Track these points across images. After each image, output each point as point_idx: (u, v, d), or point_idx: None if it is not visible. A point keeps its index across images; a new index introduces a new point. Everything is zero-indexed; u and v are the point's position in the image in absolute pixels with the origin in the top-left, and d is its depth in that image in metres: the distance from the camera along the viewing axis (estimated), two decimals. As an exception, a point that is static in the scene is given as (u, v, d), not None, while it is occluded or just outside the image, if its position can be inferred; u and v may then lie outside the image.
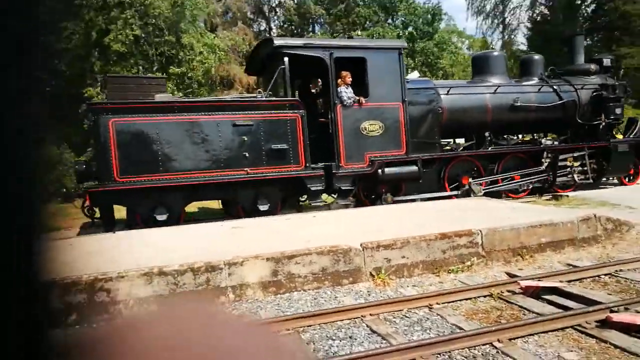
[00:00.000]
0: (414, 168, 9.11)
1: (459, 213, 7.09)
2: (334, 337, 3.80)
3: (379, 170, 8.83)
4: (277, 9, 35.76)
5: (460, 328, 3.80)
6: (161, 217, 7.72)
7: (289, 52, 8.49)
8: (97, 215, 7.79)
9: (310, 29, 35.03)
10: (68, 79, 23.29)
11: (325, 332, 3.90)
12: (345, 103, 8.62)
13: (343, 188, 8.75)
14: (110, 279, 4.48)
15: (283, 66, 8.32)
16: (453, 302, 4.41)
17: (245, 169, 7.98)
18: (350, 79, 8.74)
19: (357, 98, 8.70)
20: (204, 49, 21.27)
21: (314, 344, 3.70)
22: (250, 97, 8.54)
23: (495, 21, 48.70)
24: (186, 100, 8.08)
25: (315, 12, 31.81)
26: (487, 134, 10.28)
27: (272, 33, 36.77)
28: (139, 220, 7.75)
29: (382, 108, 8.91)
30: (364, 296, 4.75)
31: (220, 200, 9.49)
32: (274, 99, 8.51)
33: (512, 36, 47.45)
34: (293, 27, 34.65)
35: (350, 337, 3.78)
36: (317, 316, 4.11)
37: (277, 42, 8.66)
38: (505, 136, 11.13)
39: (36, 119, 0.31)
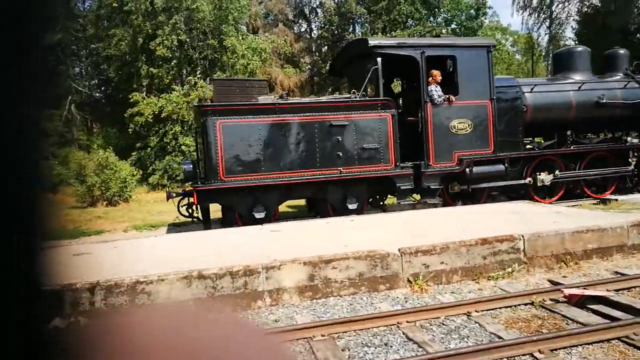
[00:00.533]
0: (501, 167, 9.11)
1: (502, 217, 6.92)
2: (369, 344, 3.78)
3: (467, 169, 8.85)
4: (318, 10, 35.87)
5: (500, 337, 3.71)
6: (259, 215, 7.92)
7: (382, 52, 8.63)
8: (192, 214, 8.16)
9: (351, 29, 34.94)
10: (116, 84, 24.23)
11: (360, 339, 3.89)
12: (435, 101, 8.68)
13: (432, 187, 8.81)
14: (151, 282, 4.62)
15: (376, 66, 8.42)
16: (492, 309, 4.31)
17: (339, 168, 8.14)
18: (440, 78, 8.84)
19: (447, 96, 8.77)
20: (247, 52, 21.58)
21: (349, 350, 3.70)
22: (345, 97, 8.78)
23: (542, 15, 47.16)
24: (287, 102, 8.40)
25: (356, 11, 31.67)
26: (568, 132, 10.05)
27: (312, 34, 36.95)
28: (237, 218, 8.00)
29: (471, 106, 8.95)
30: (400, 302, 4.70)
31: (305, 199, 9.70)
32: (368, 99, 8.68)
33: (560, 31, 45.77)
34: (333, 27, 34.67)
35: (386, 345, 3.76)
36: (353, 322, 4.10)
37: (372, 42, 8.81)
38: (586, 134, 10.84)
39: (36, 120, 0.32)
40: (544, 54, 54.66)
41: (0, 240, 0.29)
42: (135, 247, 6.39)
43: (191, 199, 7.95)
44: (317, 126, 8.07)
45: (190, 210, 8.12)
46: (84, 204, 12.86)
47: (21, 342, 0.30)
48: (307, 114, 8.09)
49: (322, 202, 8.70)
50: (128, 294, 4.53)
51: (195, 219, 8.17)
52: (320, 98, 8.84)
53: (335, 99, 8.94)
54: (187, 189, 8.13)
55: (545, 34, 48.05)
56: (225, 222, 8.19)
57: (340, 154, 8.14)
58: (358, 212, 8.36)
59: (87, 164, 13.68)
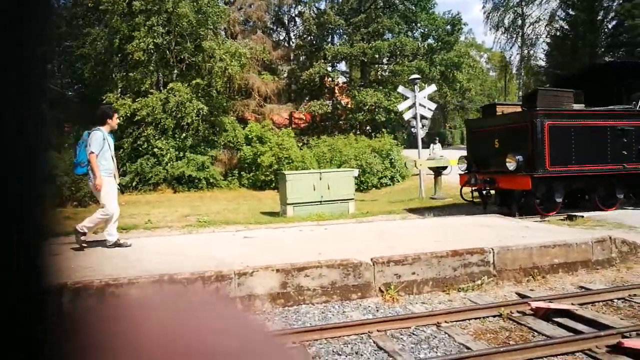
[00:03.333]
0: None
1: (473, 229, 7.05)
2: (340, 352, 3.80)
3: None
4: (297, 19, 36.07)
5: (468, 348, 3.77)
6: (558, 199, 9.55)
7: None
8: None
9: (329, 40, 35.22)
10: (89, 84, 23.76)
11: (331, 347, 3.90)
12: None
13: None
14: (121, 285, 4.54)
15: None
16: (462, 320, 4.38)
17: (623, 164, 9.67)
18: None
19: None
20: (225, 56, 21.48)
21: (319, 358, 3.70)
22: (625, 108, 10.35)
23: (514, 35, 48.56)
24: (593, 110, 9.98)
25: (335, 22, 31.96)
26: None
27: (291, 43, 37.09)
28: (535, 202, 9.52)
29: None
30: (372, 312, 4.74)
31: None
32: None
33: (531, 51, 47.17)
34: (312, 37, 34.88)
35: (357, 353, 3.78)
36: (325, 330, 4.11)
37: None
38: None
39: (36, 119, 0.31)
40: (515, 72, 56.24)
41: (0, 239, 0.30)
42: (105, 248, 6.25)
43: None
44: (610, 130, 9.69)
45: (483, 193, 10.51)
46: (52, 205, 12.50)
47: (21, 342, 0.30)
48: (605, 120, 9.78)
49: (591, 193, 10.19)
50: (97, 296, 4.43)
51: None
52: (614, 107, 10.30)
53: (624, 109, 10.36)
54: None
55: (517, 53, 49.51)
56: (522, 207, 9.78)
57: (625, 153, 9.70)
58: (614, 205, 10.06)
59: (58, 164, 13.33)
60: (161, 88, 21.59)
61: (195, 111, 20.65)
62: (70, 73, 26.95)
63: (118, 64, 21.30)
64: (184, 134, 20.78)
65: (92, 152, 5.90)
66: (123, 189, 19.14)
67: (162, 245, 6.60)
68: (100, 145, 5.97)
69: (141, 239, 7.07)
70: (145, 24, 20.25)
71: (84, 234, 6.04)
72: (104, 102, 19.84)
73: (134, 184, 19.79)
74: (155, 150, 20.08)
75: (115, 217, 6.18)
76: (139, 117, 19.89)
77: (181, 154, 20.70)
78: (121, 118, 19.44)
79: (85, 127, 19.24)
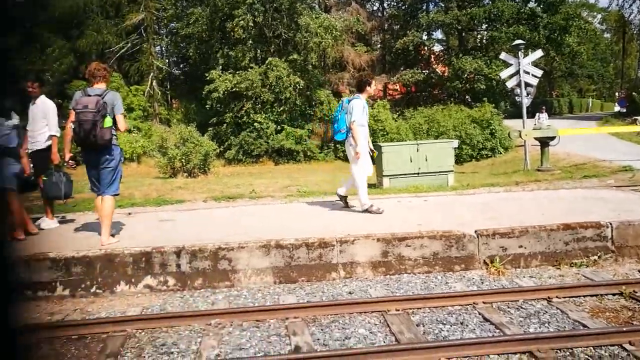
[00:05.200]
0: None
1: (586, 203, 6.56)
2: (444, 322, 3.77)
3: None
4: (391, -12, 35.10)
5: (584, 325, 3.56)
6: None
7: None
8: None
9: (424, 8, 33.90)
10: (194, 62, 25.12)
11: (435, 316, 3.88)
12: None
13: None
14: (232, 249, 4.84)
15: None
16: (576, 297, 4.13)
17: None
18: None
19: None
20: (320, 30, 21.59)
21: (423, 326, 3.71)
22: None
23: (637, -9, 43.40)
24: None
25: (431, -11, 30.67)
26: None
27: (384, 13, 36.27)
28: None
29: None
30: (476, 284, 4.63)
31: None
32: None
33: (658, 7, 41.90)
34: (406, 5, 33.79)
35: (462, 323, 3.73)
36: (428, 299, 4.10)
37: None
38: None
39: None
40: (636, 33, 50.34)
41: None
42: (216, 214, 6.68)
43: None
44: None
45: None
46: (166, 175, 13.56)
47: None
48: None
49: None
50: (211, 259, 4.78)
51: None
52: None
53: None
54: None
55: (639, 11, 44.17)
56: None
57: None
58: None
59: (168, 137, 14.37)
60: (259, 64, 22.26)
61: (292, 85, 21.09)
62: (176, 52, 28.66)
63: (219, 41, 22.22)
64: (282, 108, 21.36)
65: (354, 120, 6.14)
66: (229, 161, 20.24)
67: (268, 212, 6.89)
68: (361, 113, 6.22)
69: (248, 206, 7.45)
70: (245, 2, 20.83)
71: (369, 207, 6.30)
72: (207, 78, 20.89)
73: (239, 156, 20.81)
74: (256, 124, 20.88)
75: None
76: (238, 90, 20.72)
77: (280, 128, 21.36)
78: (224, 93, 20.44)
79: (190, 102, 20.52)
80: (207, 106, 21.21)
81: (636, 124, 20.82)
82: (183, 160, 13.74)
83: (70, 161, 5.27)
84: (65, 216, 6.75)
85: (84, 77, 21.50)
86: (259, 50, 22.95)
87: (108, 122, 4.90)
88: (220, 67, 22.73)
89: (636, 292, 4.13)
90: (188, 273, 4.76)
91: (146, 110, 22.07)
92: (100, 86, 5.09)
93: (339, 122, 6.33)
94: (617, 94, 52.61)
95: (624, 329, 3.32)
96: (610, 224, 5.18)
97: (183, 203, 8.12)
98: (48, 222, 5.94)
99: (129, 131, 17.77)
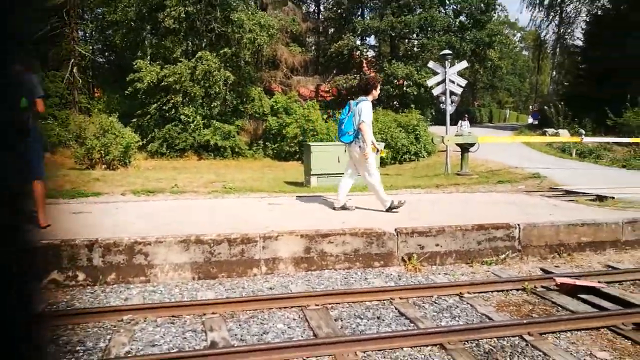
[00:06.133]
0: None
1: (499, 206, 6.97)
2: (362, 317, 3.84)
3: None
4: (327, -10, 35.47)
5: (490, 318, 3.77)
6: None
7: None
8: None
9: (359, 13, 34.61)
10: (120, 50, 23.97)
11: (353, 311, 3.95)
12: None
13: None
14: (149, 243, 4.65)
15: None
16: (484, 292, 4.37)
17: None
18: None
19: None
20: (254, 27, 21.34)
21: (341, 320, 3.75)
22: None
23: (552, 14, 46.82)
24: None
25: (366, -6, 31.35)
26: None
27: (320, 15, 36.61)
28: None
29: None
30: (394, 280, 4.76)
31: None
32: None
33: (569, 30, 45.49)
34: (342, 10, 34.30)
35: (378, 318, 3.82)
36: (347, 294, 4.16)
37: None
38: None
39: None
40: (550, 52, 54.36)
41: None
42: (135, 209, 6.40)
43: None
44: None
45: None
46: (82, 166, 12.82)
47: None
48: None
49: None
50: (126, 253, 4.56)
51: None
52: None
53: None
54: None
55: (554, 32, 47.80)
56: None
57: None
58: None
59: (87, 127, 13.60)
60: (190, 57, 21.65)
61: (222, 80, 20.69)
62: (102, 39, 27.20)
63: (149, 31, 21.37)
64: (212, 103, 20.89)
65: (364, 122, 6.02)
66: (152, 154, 19.48)
67: (191, 208, 6.71)
68: (370, 114, 6.10)
69: (168, 202, 7.20)
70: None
71: (391, 206, 6.25)
72: (134, 67, 20.01)
73: (162, 149, 20.08)
74: (182, 117, 20.27)
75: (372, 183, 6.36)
76: (166, 84, 20.03)
77: (208, 122, 20.87)
78: (148, 84, 19.66)
79: (114, 91, 19.55)
80: (126, 93, 20.22)
81: (546, 135, 22.49)
82: (102, 151, 13.06)
83: None
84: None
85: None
86: (190, 43, 22.33)
87: (23, 103, 4.65)
88: (149, 57, 21.85)
89: (537, 288, 4.44)
90: (100, 267, 4.51)
91: (64, 98, 20.73)
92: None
93: (345, 124, 6.28)
94: (530, 107, 56.56)
95: (524, 322, 3.55)
96: (519, 225, 5.53)
97: (100, 196, 7.71)
98: None
99: (44, 118, 16.63)
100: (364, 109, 6.15)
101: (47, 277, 4.40)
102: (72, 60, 21.63)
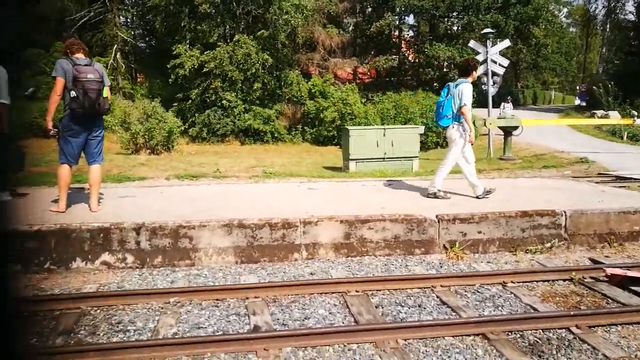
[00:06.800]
0: None
1: (544, 192, 6.76)
2: (402, 304, 3.84)
3: None
4: (366, -31, 34.74)
5: (535, 309, 3.70)
6: None
7: None
8: None
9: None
10: (160, 35, 24.35)
11: (394, 298, 3.94)
12: None
13: None
14: (193, 227, 4.77)
15: None
16: (529, 282, 4.27)
17: None
18: None
19: None
20: (290, 8, 21.22)
21: (382, 307, 3.76)
22: None
23: (602, -14, 44.45)
24: None
25: (405, -28, 30.51)
26: None
27: (358, -5, 35.98)
28: None
29: None
30: (435, 267, 4.72)
31: None
32: None
33: (620, 3, 43.18)
34: (381, -11, 33.58)
35: (419, 306, 3.80)
36: (388, 281, 4.16)
37: None
38: None
39: None
40: (600, 28, 51.81)
41: None
42: (179, 193, 6.56)
43: None
44: None
45: None
46: (128, 151, 13.21)
47: None
48: None
49: None
50: (171, 237, 4.70)
51: None
52: None
53: None
54: None
55: (603, 6, 45.41)
56: None
57: None
58: None
59: (131, 112, 13.97)
60: (228, 40, 21.78)
61: (260, 63, 20.75)
62: (142, 25, 27.68)
63: (187, 15, 21.57)
64: (253, 87, 20.99)
65: (465, 105, 5.94)
66: (193, 139, 19.83)
67: (233, 192, 6.82)
68: (470, 97, 6.04)
69: (211, 186, 7.35)
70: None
71: (437, 192, 6.20)
72: (174, 53, 20.33)
73: (202, 134, 20.42)
74: (224, 102, 20.49)
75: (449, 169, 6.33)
76: (207, 69, 20.25)
77: (248, 107, 21.04)
78: (189, 69, 19.94)
79: (155, 76, 19.85)
80: (169, 81, 20.61)
81: (594, 118, 21.56)
82: (146, 136, 13.39)
83: (52, 129, 5.09)
84: (16, 189, 6.47)
85: (40, 45, 20.49)
86: (227, 27, 22.44)
87: (106, 91, 5.16)
88: (188, 41, 22.12)
89: (585, 279, 4.30)
90: (147, 250, 4.67)
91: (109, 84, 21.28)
92: (82, 56, 5.13)
93: (444, 106, 6.15)
94: (578, 87, 54.25)
95: (572, 313, 3.46)
96: (565, 212, 5.36)
97: (145, 180, 7.95)
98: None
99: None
100: (464, 91, 5.96)
101: (99, 259, 4.59)
102: (115, 46, 22.14)
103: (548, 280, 4.32)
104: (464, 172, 6.35)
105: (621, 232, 5.39)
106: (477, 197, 6.23)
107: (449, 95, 6.14)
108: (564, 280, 4.32)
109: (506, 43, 14.83)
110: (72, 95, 4.89)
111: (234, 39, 21.05)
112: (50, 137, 5.28)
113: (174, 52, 20.53)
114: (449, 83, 6.35)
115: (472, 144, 6.21)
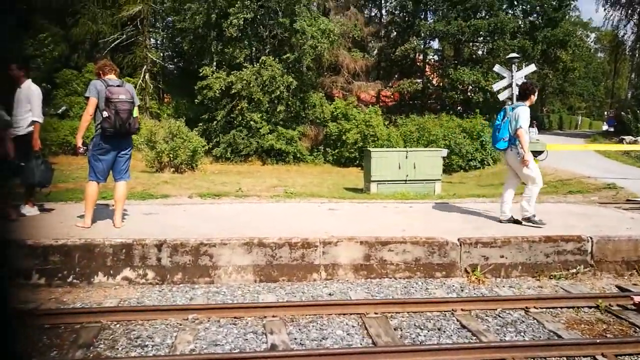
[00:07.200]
0: None
1: (569, 218, 6.62)
2: (422, 327, 3.78)
3: None
4: (390, -6, 35.19)
5: (559, 336, 3.59)
6: None
7: None
8: None
9: (422, 16, 34.08)
10: (188, 57, 25.00)
11: (413, 321, 3.89)
12: None
13: None
14: (214, 245, 4.81)
15: None
16: (553, 308, 4.17)
17: None
18: None
19: None
20: (316, 34, 21.56)
21: (401, 330, 3.71)
22: None
23: (630, 11, 44.01)
24: None
25: (430, -3, 30.81)
26: None
27: (382, 19, 36.42)
28: None
29: None
30: (456, 291, 4.65)
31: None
32: None
33: (650, 29, 42.53)
34: (405, 13, 33.94)
35: (439, 329, 3.74)
36: (407, 304, 4.10)
37: None
38: None
39: None
40: (629, 53, 51.03)
41: None
42: (201, 211, 6.64)
43: None
44: None
45: None
46: (153, 169, 13.47)
47: None
48: None
49: None
50: (192, 254, 4.75)
51: None
52: None
53: None
54: None
55: (633, 32, 44.86)
56: None
57: None
58: None
59: (157, 132, 14.28)
60: (254, 63, 22.20)
61: (285, 86, 21.05)
62: (171, 47, 28.49)
63: (215, 38, 22.11)
64: (277, 108, 21.28)
65: (521, 128, 5.86)
66: (217, 158, 20.13)
67: (254, 211, 6.87)
68: (527, 120, 6.01)
69: (233, 205, 7.42)
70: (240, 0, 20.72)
71: (531, 216, 5.98)
72: (201, 74, 20.80)
73: (226, 154, 20.71)
74: (252, 123, 20.77)
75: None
76: (234, 91, 20.63)
77: (273, 128, 21.29)
78: (217, 91, 20.35)
79: (182, 97, 20.26)
80: (196, 102, 21.06)
81: (623, 144, 21.11)
82: (171, 155, 13.64)
83: (81, 147, 5.29)
84: (43, 204, 6.65)
85: (74, 66, 21.18)
86: (253, 49, 22.90)
87: (136, 111, 5.32)
88: (215, 63, 22.66)
89: (612, 306, 4.17)
90: (168, 267, 4.72)
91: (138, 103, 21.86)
92: (114, 77, 5.35)
93: (501, 130, 6.12)
94: (606, 113, 53.32)
95: (598, 341, 3.35)
96: (591, 238, 5.24)
97: (168, 198, 8.07)
98: (28, 209, 5.85)
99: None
100: (521, 114, 5.91)
101: (120, 274, 4.66)
102: (145, 66, 22.80)
103: (573, 307, 4.20)
104: (503, 196, 6.26)
105: (650, 260, 5.22)
106: (500, 221, 6.14)
107: (506, 118, 6.09)
108: (590, 307, 4.20)
109: (531, 68, 14.72)
110: (104, 116, 5.04)
111: (260, 61, 21.45)
112: (79, 154, 5.43)
113: (201, 74, 21.01)
114: (505, 107, 6.27)
115: (526, 166, 5.96)
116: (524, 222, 6.00)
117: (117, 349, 3.33)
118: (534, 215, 6.00)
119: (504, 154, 6.25)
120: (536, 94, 6.21)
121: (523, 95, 6.20)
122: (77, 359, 3.13)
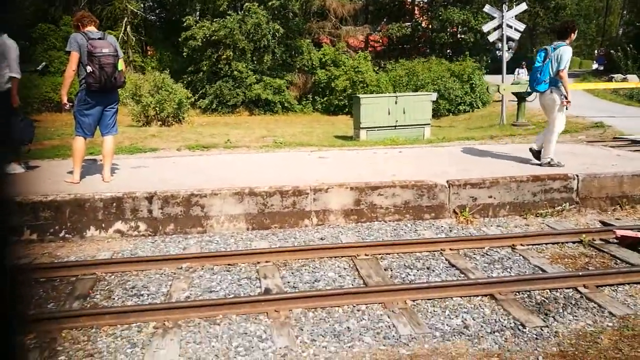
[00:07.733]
0: None
1: (557, 157, 6.67)
2: (411, 267, 3.88)
3: None
4: None
5: (543, 270, 3.71)
6: None
7: None
8: None
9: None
10: (170, 7, 24.13)
11: (403, 261, 3.99)
12: None
13: None
14: (204, 196, 4.83)
15: None
16: (538, 244, 4.29)
17: None
18: None
19: None
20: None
21: (391, 270, 3.81)
22: None
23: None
24: None
25: None
26: None
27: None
28: None
29: None
30: (445, 231, 4.74)
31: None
32: None
33: (644, -37, 41.42)
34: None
35: (428, 268, 3.84)
36: (397, 245, 4.19)
37: None
38: None
39: None
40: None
41: None
42: (190, 163, 6.62)
43: None
44: None
45: None
46: (139, 123, 13.27)
47: None
48: None
49: None
50: (183, 205, 4.77)
51: None
52: None
53: None
54: None
55: (626, -34, 43.62)
56: None
57: None
58: None
59: (142, 85, 13.96)
60: (237, 10, 21.50)
61: (271, 33, 20.49)
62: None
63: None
64: (263, 58, 20.79)
65: (563, 69, 5.72)
66: (204, 110, 19.84)
67: (244, 162, 6.86)
68: (569, 61, 5.84)
69: (222, 156, 7.40)
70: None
71: (550, 160, 5.91)
72: (184, 24, 20.15)
73: (213, 105, 20.40)
74: (236, 73, 20.34)
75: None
76: (216, 38, 20.06)
77: (259, 77, 20.89)
78: (200, 40, 19.77)
79: (166, 49, 19.66)
80: (184, 54, 20.54)
81: (612, 82, 21.04)
82: (157, 108, 13.40)
83: (67, 103, 5.17)
84: (28, 162, 6.57)
85: (51, 20, 20.34)
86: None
87: (121, 64, 5.16)
88: (197, 12, 21.90)
89: (594, 240, 4.30)
90: (160, 219, 4.75)
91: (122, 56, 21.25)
92: (94, 29, 5.14)
93: (543, 71, 5.87)
94: (596, 51, 52.73)
95: (580, 273, 3.47)
96: (577, 176, 5.32)
97: (156, 151, 8.01)
98: (13, 167, 5.79)
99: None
100: (564, 55, 5.72)
101: (112, 227, 4.69)
102: (125, 19, 22.01)
103: (557, 243, 4.32)
104: (545, 133, 6.12)
105: (634, 195, 5.34)
106: (541, 164, 5.97)
107: (547, 59, 5.85)
108: (574, 242, 4.32)
109: (522, 7, 14.39)
110: (88, 71, 4.91)
111: (244, 7, 20.76)
112: (65, 111, 5.32)
113: (185, 24, 20.35)
114: (546, 47, 6.04)
115: (566, 110, 5.94)
116: (544, 166, 5.89)
117: (114, 299, 3.40)
118: (552, 159, 5.94)
119: (541, 95, 6.03)
120: (576, 31, 5.99)
121: (563, 33, 5.96)
122: (74, 310, 3.20)
